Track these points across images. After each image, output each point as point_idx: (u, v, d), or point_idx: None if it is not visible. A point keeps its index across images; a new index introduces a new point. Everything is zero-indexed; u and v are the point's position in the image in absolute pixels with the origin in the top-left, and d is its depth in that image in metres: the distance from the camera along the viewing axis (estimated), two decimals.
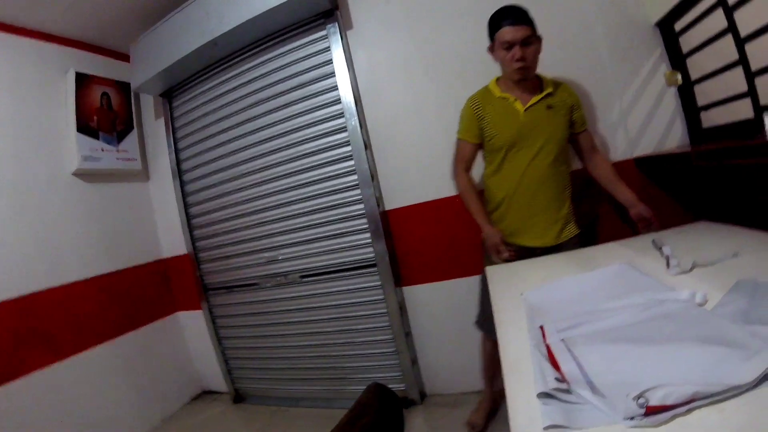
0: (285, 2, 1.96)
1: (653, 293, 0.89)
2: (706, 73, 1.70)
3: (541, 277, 1.28)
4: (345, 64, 2.09)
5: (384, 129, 2.13)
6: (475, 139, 1.64)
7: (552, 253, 1.54)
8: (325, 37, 2.14)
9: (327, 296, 2.28)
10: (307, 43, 2.19)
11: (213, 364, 2.67)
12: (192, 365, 2.79)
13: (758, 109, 1.44)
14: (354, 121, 2.08)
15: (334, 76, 2.12)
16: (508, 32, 1.47)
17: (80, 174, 2.32)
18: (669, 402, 0.53)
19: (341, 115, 2.12)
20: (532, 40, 1.49)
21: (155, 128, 2.69)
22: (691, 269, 1.06)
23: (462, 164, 1.68)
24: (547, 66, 1.68)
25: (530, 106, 1.55)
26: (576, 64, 1.90)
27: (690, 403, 0.53)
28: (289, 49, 2.23)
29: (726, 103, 1.62)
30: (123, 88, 2.56)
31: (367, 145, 2.11)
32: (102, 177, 2.44)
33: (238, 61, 2.36)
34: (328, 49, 2.13)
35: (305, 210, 2.27)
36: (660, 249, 1.18)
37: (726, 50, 1.51)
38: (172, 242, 2.71)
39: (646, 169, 1.86)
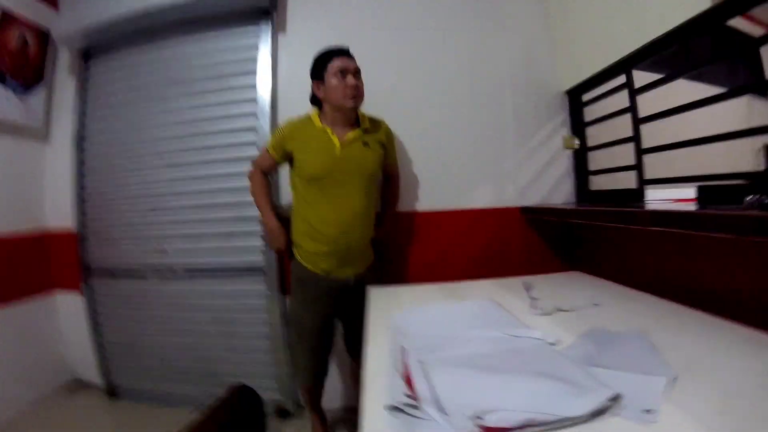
0: None
1: (510, 330, 0.99)
2: (602, 143, 1.91)
3: (412, 301, 1.37)
4: (270, 65, 2.09)
5: None
6: (279, 158, 1.67)
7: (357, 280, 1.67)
8: (256, 34, 2.12)
9: (211, 296, 2.18)
10: (236, 35, 2.16)
11: (87, 353, 2.43)
12: (64, 350, 2.52)
13: (642, 182, 1.61)
14: (264, 124, 2.07)
15: (255, 75, 2.10)
16: (342, 61, 1.54)
17: None
18: (503, 425, 0.60)
19: (253, 114, 2.10)
20: (360, 74, 1.59)
21: (64, 87, 2.45)
22: (552, 313, 1.17)
23: (260, 167, 1.73)
24: (452, 109, 1.99)
25: (348, 141, 1.59)
26: (484, 113, 2.08)
27: (524, 428, 0.60)
28: (218, 37, 2.18)
29: (614, 172, 1.82)
30: (42, 36, 2.34)
31: None
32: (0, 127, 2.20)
33: (165, 38, 2.25)
34: (255, 46, 2.11)
35: (201, 204, 2.18)
36: (528, 291, 1.29)
37: (620, 127, 1.73)
38: (58, 213, 2.45)
39: (530, 218, 2.04)
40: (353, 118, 1.64)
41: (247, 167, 1.79)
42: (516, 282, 1.53)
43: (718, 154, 1.33)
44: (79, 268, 2.39)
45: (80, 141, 2.39)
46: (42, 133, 2.45)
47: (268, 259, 2.08)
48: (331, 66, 1.54)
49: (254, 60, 2.11)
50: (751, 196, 1.06)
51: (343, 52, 1.57)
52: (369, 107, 1.71)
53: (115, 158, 2.33)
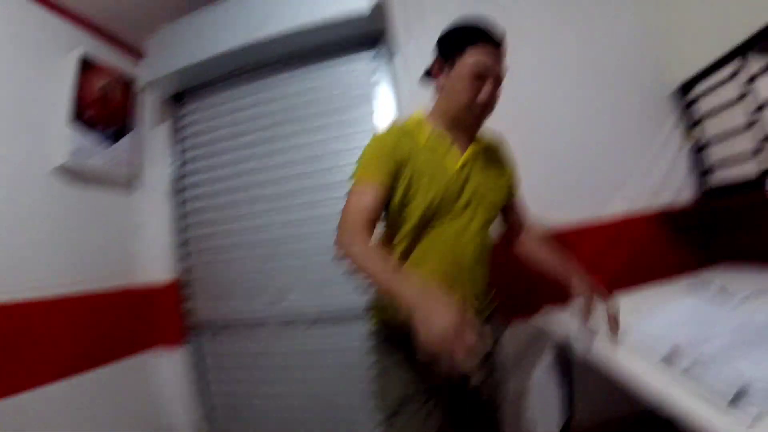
0: (340, 20, 1.87)
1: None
2: (721, 133, 1.95)
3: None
4: (391, 91, 2.04)
5: None
6: (388, 179, 1.05)
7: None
8: (372, 60, 2.09)
9: (338, 347, 2.01)
10: (347, 65, 2.11)
11: (189, 413, 2.21)
12: (165, 410, 2.26)
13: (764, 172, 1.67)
14: None
15: (372, 103, 2.06)
16: (488, 55, 1.05)
17: (63, 171, 1.92)
18: None
19: None
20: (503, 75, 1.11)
21: (155, 134, 2.36)
22: (748, 298, 1.16)
23: (362, 223, 0.98)
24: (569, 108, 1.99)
25: (469, 158, 1.16)
26: (600, 113, 2.08)
27: None
28: (328, 68, 2.13)
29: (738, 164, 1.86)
30: (127, 83, 2.26)
31: None
32: (86, 179, 2.04)
33: (267, 73, 2.20)
34: (369, 74, 2.08)
35: (322, 244, 2.03)
36: (707, 286, 1.36)
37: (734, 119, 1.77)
38: (155, 266, 2.29)
39: (661, 221, 2.04)
40: (475, 127, 1.19)
41: None
42: (681, 283, 1.61)
43: None
44: (182, 323, 2.21)
45: (178, 188, 2.27)
46: (133, 183, 2.31)
47: None
48: (470, 55, 1.05)
49: (369, 88, 2.07)
50: None
51: (493, 40, 1.07)
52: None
53: (220, 204, 2.22)
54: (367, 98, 2.06)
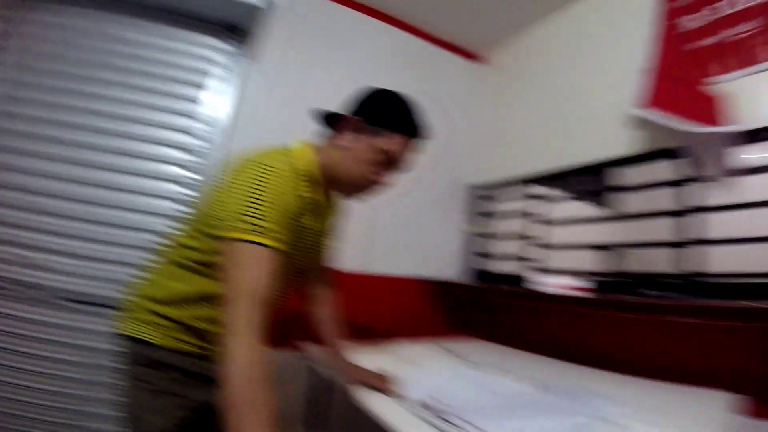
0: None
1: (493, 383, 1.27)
2: (499, 233, 2.42)
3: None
4: (233, 92, 1.98)
5: None
6: (285, 246, 0.90)
7: None
8: (230, 53, 2.02)
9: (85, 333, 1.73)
10: (207, 44, 1.99)
11: None
12: None
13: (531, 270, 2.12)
14: (215, 151, 1.92)
15: (210, 94, 1.98)
16: (407, 148, 1.06)
17: None
18: None
19: (191, 133, 1.93)
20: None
21: None
22: (492, 371, 1.45)
23: (262, 303, 0.81)
24: None
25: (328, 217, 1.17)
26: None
27: None
28: (184, 38, 1.96)
29: (506, 260, 2.31)
30: None
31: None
32: None
33: (125, 10, 1.92)
34: (224, 66, 2.01)
35: (106, 219, 1.79)
36: (454, 354, 1.67)
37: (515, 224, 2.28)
38: None
39: (439, 290, 2.39)
40: (350, 194, 1.13)
41: (172, 190, 1.73)
42: (432, 345, 1.88)
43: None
44: None
45: None
46: None
47: None
48: (394, 141, 1.02)
49: (213, 77, 1.99)
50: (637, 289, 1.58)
51: (421, 133, 1.08)
52: None
53: (21, 130, 1.77)
54: (205, 86, 1.98)
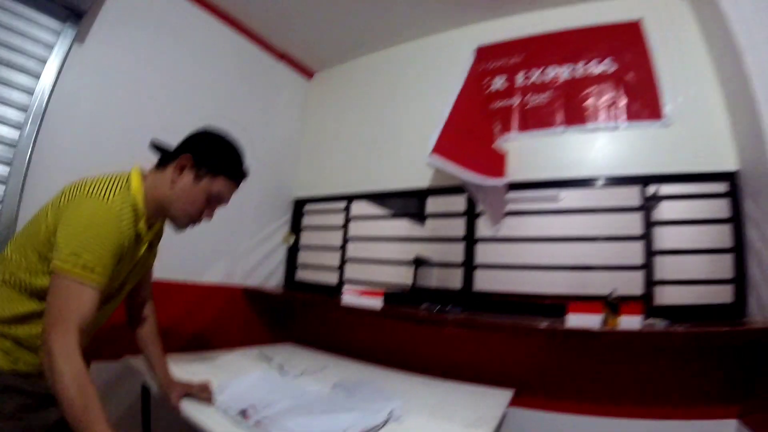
0: None
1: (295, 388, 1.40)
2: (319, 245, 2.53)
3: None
4: (56, 69, 1.66)
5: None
6: (107, 280, 0.96)
7: None
8: (55, 30, 1.67)
9: None
10: (33, 19, 1.62)
11: None
12: None
13: (341, 282, 2.31)
14: (28, 136, 1.59)
15: (34, 75, 1.63)
16: (232, 190, 1.17)
17: None
18: None
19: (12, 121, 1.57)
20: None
21: None
22: (302, 374, 1.58)
23: (80, 333, 0.88)
24: None
25: (149, 242, 1.17)
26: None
27: None
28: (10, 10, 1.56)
29: (322, 270, 2.47)
30: None
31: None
32: None
33: None
34: (47, 44, 1.66)
35: None
36: (270, 360, 1.72)
37: (332, 237, 2.43)
38: None
39: (252, 298, 2.38)
40: (173, 223, 1.16)
41: None
42: (252, 352, 1.90)
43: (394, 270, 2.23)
44: None
45: None
46: None
47: None
48: (222, 184, 1.12)
49: (32, 54, 1.62)
50: (426, 303, 1.88)
51: (244, 178, 1.20)
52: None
53: None
54: (25, 63, 1.62)
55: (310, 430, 1.04)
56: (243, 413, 1.10)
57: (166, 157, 1.12)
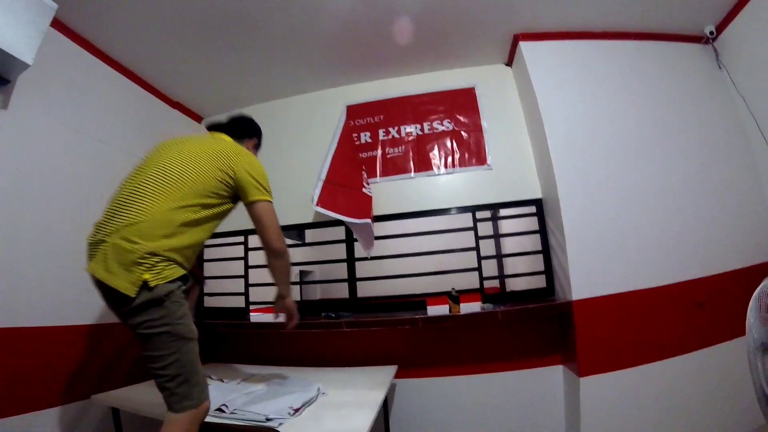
0: None
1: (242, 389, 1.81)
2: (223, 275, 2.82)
3: None
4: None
5: None
6: None
7: None
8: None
9: None
10: None
11: None
12: None
13: (247, 304, 2.64)
14: None
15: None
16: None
17: None
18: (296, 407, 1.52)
19: None
20: None
21: None
22: (239, 381, 1.96)
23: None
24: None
25: None
26: None
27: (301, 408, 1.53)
28: None
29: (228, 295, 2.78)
30: None
31: None
32: None
33: None
34: None
35: None
36: (209, 377, 2.03)
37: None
38: None
39: None
40: None
41: None
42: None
43: None
44: None
45: None
46: None
47: None
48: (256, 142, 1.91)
49: None
50: (324, 312, 2.38)
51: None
52: None
53: None
54: None
55: (270, 409, 1.49)
56: (219, 410, 1.51)
57: (236, 131, 1.76)
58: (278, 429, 1.37)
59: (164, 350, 1.26)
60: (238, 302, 2.75)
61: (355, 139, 2.76)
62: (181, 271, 1.35)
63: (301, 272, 3.44)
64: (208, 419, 1.37)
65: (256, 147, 1.89)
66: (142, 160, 1.51)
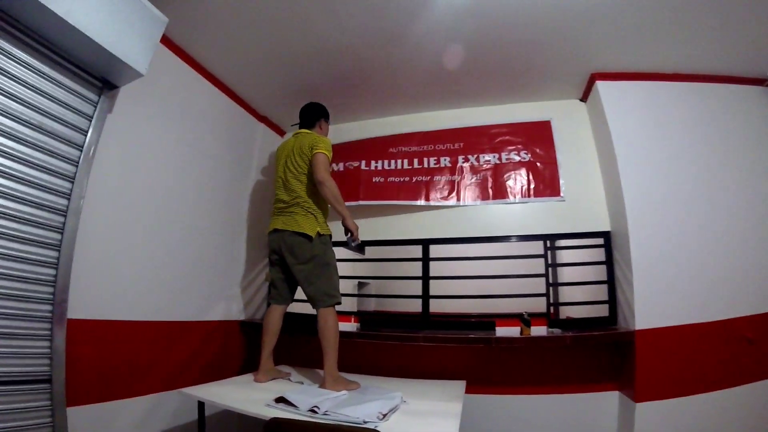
0: (84, 38, 1.58)
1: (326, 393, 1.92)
2: None
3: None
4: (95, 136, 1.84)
5: None
6: None
7: None
8: (93, 101, 1.85)
9: None
10: (71, 88, 1.75)
11: None
12: None
13: None
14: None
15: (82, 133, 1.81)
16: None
17: None
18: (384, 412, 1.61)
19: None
20: None
21: None
22: (319, 385, 2.07)
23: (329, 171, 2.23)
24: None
25: None
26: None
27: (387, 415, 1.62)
28: (55, 69, 1.69)
29: None
30: None
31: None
32: None
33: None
34: (87, 115, 1.83)
35: None
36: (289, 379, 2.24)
37: None
38: None
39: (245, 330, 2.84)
40: None
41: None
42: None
43: None
44: None
45: None
46: None
47: (56, 365, 1.62)
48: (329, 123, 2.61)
49: (78, 115, 1.80)
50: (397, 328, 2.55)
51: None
52: None
53: None
54: (71, 121, 1.77)
55: (360, 413, 1.56)
56: (312, 411, 1.59)
57: (308, 121, 2.48)
58: (378, 430, 1.41)
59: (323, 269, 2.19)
60: (311, 309, 2.91)
61: (435, 162, 2.95)
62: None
63: (360, 283, 3.63)
64: (305, 418, 1.57)
65: (326, 121, 2.55)
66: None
